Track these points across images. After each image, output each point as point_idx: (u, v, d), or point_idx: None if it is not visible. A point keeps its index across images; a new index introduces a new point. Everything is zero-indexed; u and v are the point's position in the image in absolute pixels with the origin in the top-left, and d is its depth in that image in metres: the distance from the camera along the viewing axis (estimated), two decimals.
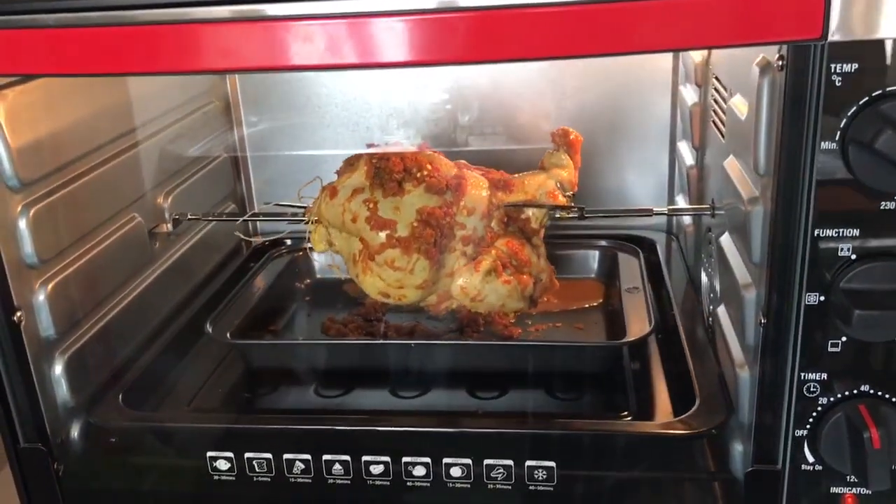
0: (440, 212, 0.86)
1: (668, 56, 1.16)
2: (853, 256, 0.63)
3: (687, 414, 0.79)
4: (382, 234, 0.86)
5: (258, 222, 1.32)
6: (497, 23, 0.57)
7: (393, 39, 0.58)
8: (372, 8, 0.58)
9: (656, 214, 1.03)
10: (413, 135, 1.20)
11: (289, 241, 1.22)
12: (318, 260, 1.17)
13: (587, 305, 1.08)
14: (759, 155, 0.66)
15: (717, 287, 0.88)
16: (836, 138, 0.60)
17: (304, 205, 0.95)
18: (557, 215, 0.93)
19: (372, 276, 0.87)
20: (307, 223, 0.93)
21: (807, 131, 0.60)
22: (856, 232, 0.62)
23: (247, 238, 1.24)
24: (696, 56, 1.02)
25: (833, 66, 0.58)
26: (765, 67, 0.64)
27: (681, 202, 1.17)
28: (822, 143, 0.60)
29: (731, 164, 0.79)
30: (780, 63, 0.60)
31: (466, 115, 1.22)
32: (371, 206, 0.87)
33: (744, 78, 0.72)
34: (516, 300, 0.90)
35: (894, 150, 0.57)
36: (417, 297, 0.88)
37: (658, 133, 1.20)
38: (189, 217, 1.06)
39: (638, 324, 0.93)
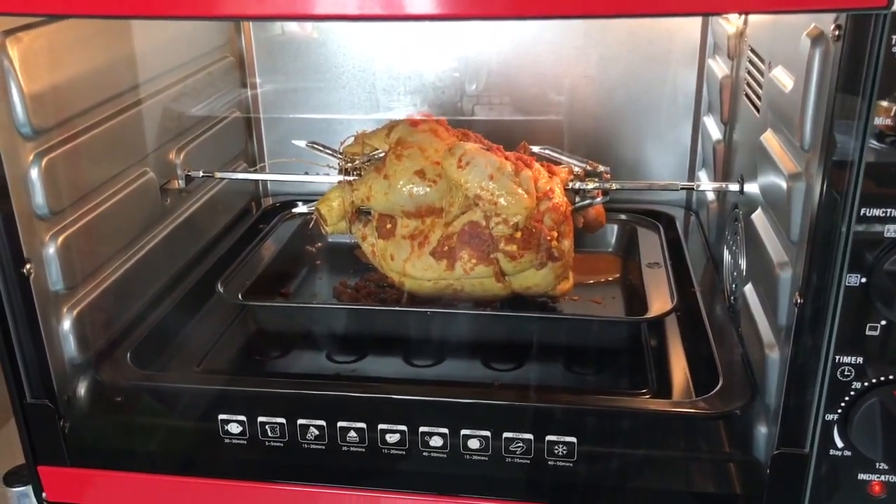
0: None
1: (697, 27, 1.13)
2: None
3: (710, 393, 0.77)
4: None
5: (268, 182, 1.30)
6: None
7: None
8: None
9: (683, 189, 1.01)
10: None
11: (300, 203, 1.20)
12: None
13: (604, 280, 1.06)
14: (806, 130, 0.63)
15: (743, 265, 0.85)
16: (892, 114, 0.57)
17: (331, 147, 0.96)
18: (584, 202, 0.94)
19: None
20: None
21: (860, 106, 0.58)
22: None
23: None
24: (730, 27, 0.99)
25: (895, 37, 0.55)
26: (817, 38, 0.61)
27: (703, 177, 1.14)
28: (876, 118, 0.58)
29: (769, 139, 0.76)
30: (837, 33, 0.57)
31: (473, 84, 1.20)
32: None
33: (789, 48, 0.69)
34: (507, 176, 0.87)
35: None
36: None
37: (682, 106, 1.18)
38: (202, 174, 1.03)
39: (659, 300, 0.91)
